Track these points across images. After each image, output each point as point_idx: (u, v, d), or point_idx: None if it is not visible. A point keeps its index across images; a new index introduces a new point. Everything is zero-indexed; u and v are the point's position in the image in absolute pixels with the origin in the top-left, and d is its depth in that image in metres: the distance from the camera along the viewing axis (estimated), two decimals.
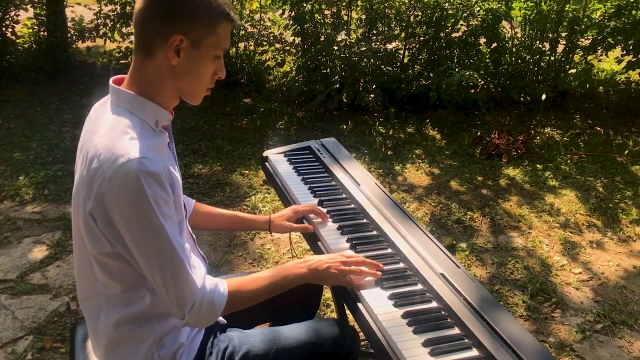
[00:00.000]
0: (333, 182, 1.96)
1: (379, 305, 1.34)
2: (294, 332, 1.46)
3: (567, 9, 5.26)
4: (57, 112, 5.14)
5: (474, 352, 1.21)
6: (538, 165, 4.24)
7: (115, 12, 5.84)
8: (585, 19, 5.16)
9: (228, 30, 1.23)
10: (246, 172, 4.01)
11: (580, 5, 5.23)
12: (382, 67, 5.12)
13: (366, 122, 5.11)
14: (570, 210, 3.59)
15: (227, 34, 1.24)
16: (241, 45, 5.89)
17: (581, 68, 5.46)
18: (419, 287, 1.42)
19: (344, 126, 4.98)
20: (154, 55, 1.19)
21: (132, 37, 3.98)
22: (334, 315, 2.46)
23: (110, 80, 1.26)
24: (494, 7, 5.34)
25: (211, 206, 1.74)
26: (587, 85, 5.47)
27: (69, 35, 6.05)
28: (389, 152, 4.48)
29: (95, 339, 1.33)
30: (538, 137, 4.79)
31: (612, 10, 5.13)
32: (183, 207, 1.28)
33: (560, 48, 5.49)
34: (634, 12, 4.92)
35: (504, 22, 5.47)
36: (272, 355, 1.40)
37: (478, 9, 5.40)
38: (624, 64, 5.56)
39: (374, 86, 5.11)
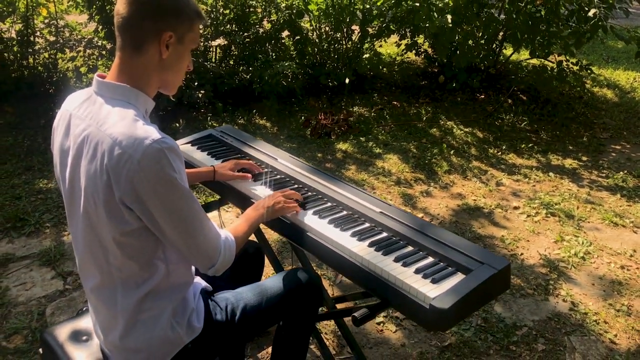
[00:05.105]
0: (252, 161, 2.19)
1: (349, 243, 1.65)
2: (275, 283, 1.71)
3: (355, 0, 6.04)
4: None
5: (431, 259, 1.61)
6: (361, 138, 4.89)
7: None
8: (375, 10, 5.99)
9: (198, 27, 1.43)
10: None
11: None
12: (206, 63, 5.30)
13: (197, 119, 5.24)
14: (398, 170, 4.28)
15: (198, 31, 1.44)
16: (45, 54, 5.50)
17: (372, 53, 6.32)
18: (367, 225, 1.77)
19: (177, 124, 5.05)
20: (144, 50, 1.34)
21: None
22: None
23: (95, 75, 1.37)
24: (295, 3, 5.90)
25: None
26: (381, 68, 6.36)
27: None
28: None
29: (110, 323, 1.42)
30: (352, 116, 5.46)
31: (393, 1, 6.02)
32: None
33: (354, 37, 6.26)
34: (409, 2, 5.84)
35: (306, 16, 6.05)
36: (264, 304, 1.64)
37: (283, 5, 5.88)
38: (402, 47, 6.58)
39: (196, 83, 5.26)
